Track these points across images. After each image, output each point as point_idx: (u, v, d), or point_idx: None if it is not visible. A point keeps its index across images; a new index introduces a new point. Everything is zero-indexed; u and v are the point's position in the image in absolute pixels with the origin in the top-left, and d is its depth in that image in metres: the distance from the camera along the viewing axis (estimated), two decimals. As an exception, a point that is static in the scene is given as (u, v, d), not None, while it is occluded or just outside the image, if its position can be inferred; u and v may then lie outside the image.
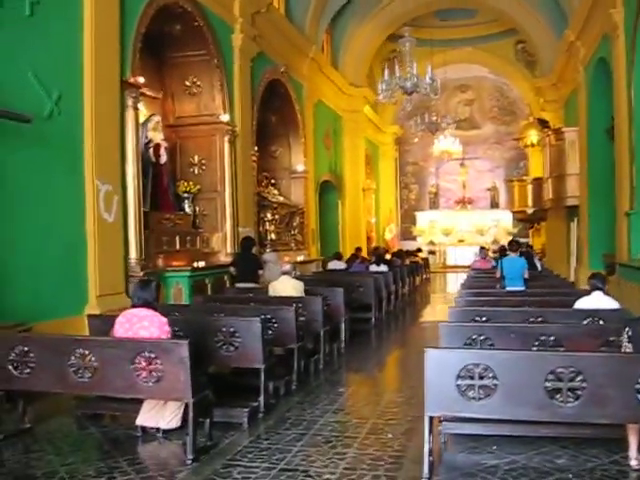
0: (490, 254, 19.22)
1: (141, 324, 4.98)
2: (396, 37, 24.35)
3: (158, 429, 5.36)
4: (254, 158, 14.25)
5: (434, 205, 31.44)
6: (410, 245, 27.63)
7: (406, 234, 30.82)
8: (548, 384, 4.27)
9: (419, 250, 24.42)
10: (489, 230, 29.32)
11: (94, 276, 8.44)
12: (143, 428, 5.40)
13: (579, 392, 4.24)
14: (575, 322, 6.38)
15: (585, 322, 6.43)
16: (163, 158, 11.35)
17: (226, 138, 12.59)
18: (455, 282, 23.62)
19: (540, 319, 6.63)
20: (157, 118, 11.33)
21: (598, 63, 14.21)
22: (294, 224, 16.86)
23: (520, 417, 4.43)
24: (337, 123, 21.50)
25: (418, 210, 31.29)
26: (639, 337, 4.55)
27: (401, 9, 21.87)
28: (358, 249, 17.12)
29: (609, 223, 15.02)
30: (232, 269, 10.81)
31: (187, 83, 12.49)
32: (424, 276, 21.92)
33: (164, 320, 5.04)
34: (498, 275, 9.82)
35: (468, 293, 8.75)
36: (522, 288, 9.45)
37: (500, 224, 29.39)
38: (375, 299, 11.84)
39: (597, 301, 6.60)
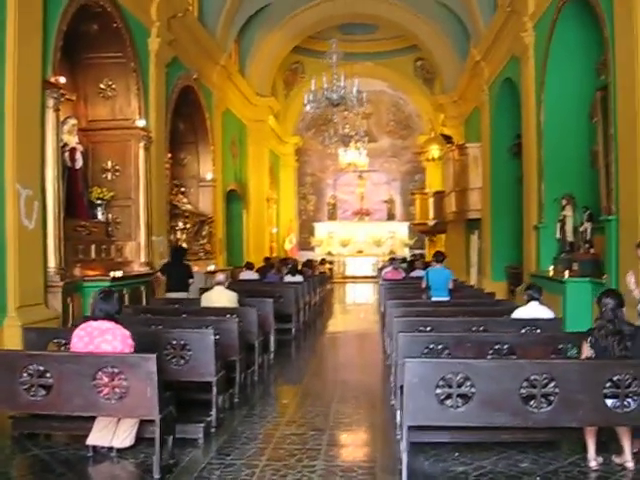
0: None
1: (103, 338, 4.69)
2: (298, 49, 24.70)
3: (111, 448, 5.08)
4: (167, 165, 13.89)
5: (332, 216, 31.81)
6: (308, 255, 27.74)
7: (304, 244, 30.97)
8: (523, 391, 4.40)
9: (324, 260, 24.60)
10: (386, 241, 29.97)
11: (14, 286, 7.92)
12: (94, 447, 5.10)
13: (552, 398, 4.40)
14: (515, 330, 6.63)
15: (523, 331, 6.69)
16: (78, 163, 10.85)
17: (141, 144, 12.18)
18: (355, 292, 24.07)
19: (482, 328, 6.83)
20: (73, 121, 10.81)
21: (503, 83, 14.88)
22: (203, 233, 16.57)
23: (496, 423, 4.53)
24: (242, 132, 21.35)
25: (316, 221, 31.57)
26: (599, 345, 4.79)
27: (306, 22, 22.12)
28: (267, 259, 17.00)
29: (511, 236, 15.77)
30: (159, 274, 11.00)
31: (102, 86, 11.99)
32: (329, 286, 22.09)
33: (127, 333, 4.78)
34: (424, 285, 10.03)
35: (398, 304, 8.85)
36: (447, 298, 9.71)
37: (396, 235, 30.15)
38: (295, 309, 11.82)
39: (534, 311, 6.87)
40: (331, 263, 28.19)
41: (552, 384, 4.39)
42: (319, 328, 13.94)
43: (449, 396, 4.44)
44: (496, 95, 15.76)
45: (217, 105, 17.54)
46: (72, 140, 10.77)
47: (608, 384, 4.41)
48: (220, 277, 8.57)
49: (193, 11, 15.25)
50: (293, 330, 11.61)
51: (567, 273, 10.38)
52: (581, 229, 10.64)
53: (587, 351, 4.87)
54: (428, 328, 6.83)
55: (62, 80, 9.21)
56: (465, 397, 4.45)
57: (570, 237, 11.27)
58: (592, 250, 10.37)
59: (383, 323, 11.13)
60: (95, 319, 4.78)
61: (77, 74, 11.90)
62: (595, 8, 9.11)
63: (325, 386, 7.99)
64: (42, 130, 8.78)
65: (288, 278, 14.02)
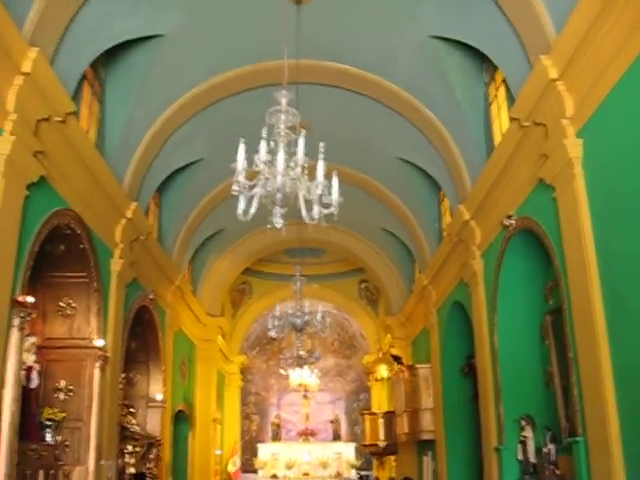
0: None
1: None
2: (246, 270, 25.51)
3: None
4: (120, 386, 13.55)
5: (276, 437, 30.79)
6: (251, 478, 26.47)
7: (247, 466, 29.56)
8: None
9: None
10: (332, 463, 28.86)
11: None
12: None
13: None
14: None
15: None
16: (34, 382, 10.50)
17: (97, 364, 11.91)
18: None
19: None
20: (33, 339, 10.57)
21: (452, 306, 15.49)
22: (150, 456, 15.74)
23: None
24: (192, 352, 21.19)
25: (259, 441, 30.42)
26: None
27: (256, 246, 23.10)
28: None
29: (467, 456, 15.60)
30: None
31: (61, 304, 11.99)
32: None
33: None
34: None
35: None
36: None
37: (343, 456, 29.05)
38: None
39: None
40: (276, 487, 26.79)
41: None
42: None
43: None
44: (445, 317, 16.32)
45: (170, 325, 17.59)
46: (30, 358, 10.47)
47: None
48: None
49: (153, 234, 15.79)
50: None
51: (535, 497, 10.19)
52: (545, 450, 10.63)
53: None
54: None
55: (30, 300, 9.21)
56: None
57: (532, 458, 11.21)
58: (558, 471, 10.30)
59: None
60: None
61: (36, 291, 11.90)
62: (542, 240, 9.90)
63: None
64: (5, 349, 8.60)
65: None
